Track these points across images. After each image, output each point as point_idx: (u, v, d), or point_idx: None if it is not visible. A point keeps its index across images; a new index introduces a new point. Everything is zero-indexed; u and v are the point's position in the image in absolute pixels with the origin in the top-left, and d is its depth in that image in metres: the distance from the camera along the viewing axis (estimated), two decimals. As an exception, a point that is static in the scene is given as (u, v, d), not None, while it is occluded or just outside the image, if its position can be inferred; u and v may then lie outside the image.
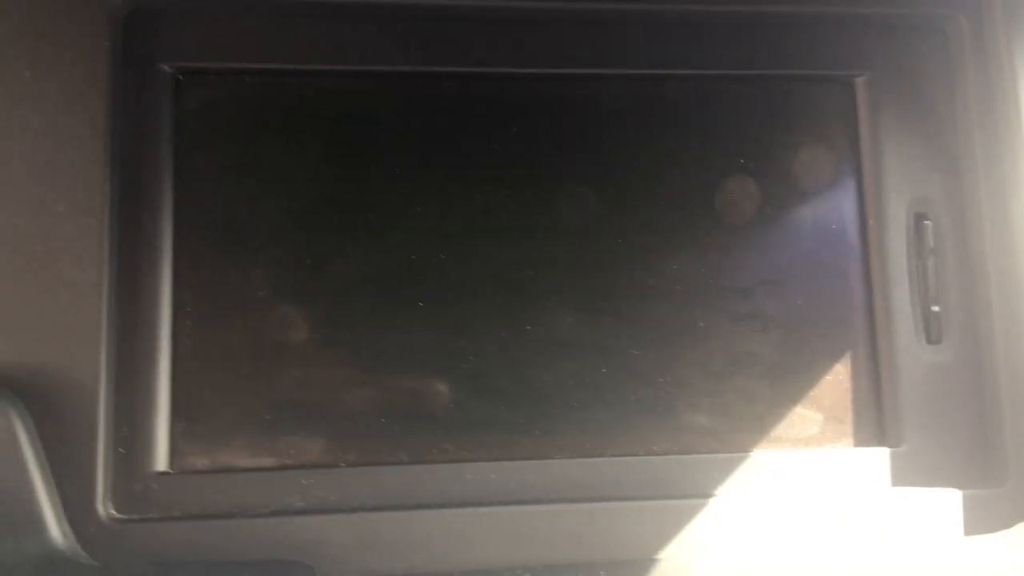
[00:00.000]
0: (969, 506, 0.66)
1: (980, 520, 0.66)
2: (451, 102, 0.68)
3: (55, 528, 0.57)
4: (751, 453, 0.67)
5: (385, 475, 0.63)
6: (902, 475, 0.67)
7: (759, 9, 0.70)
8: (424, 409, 0.65)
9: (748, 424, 0.68)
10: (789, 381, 0.69)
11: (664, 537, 0.63)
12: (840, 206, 0.71)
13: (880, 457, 0.68)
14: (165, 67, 0.65)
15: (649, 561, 0.63)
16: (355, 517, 0.61)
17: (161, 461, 0.62)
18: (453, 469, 0.64)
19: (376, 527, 0.61)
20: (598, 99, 0.70)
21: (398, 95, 0.68)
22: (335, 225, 0.66)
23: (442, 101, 0.68)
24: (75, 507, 0.59)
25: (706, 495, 0.65)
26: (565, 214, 0.68)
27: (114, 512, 0.60)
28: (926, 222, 0.69)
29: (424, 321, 0.66)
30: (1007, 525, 0.66)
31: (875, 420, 0.69)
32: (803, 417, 0.68)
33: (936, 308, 0.69)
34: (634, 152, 0.69)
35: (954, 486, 0.67)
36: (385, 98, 0.68)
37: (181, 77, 0.66)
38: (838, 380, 0.69)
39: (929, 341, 0.69)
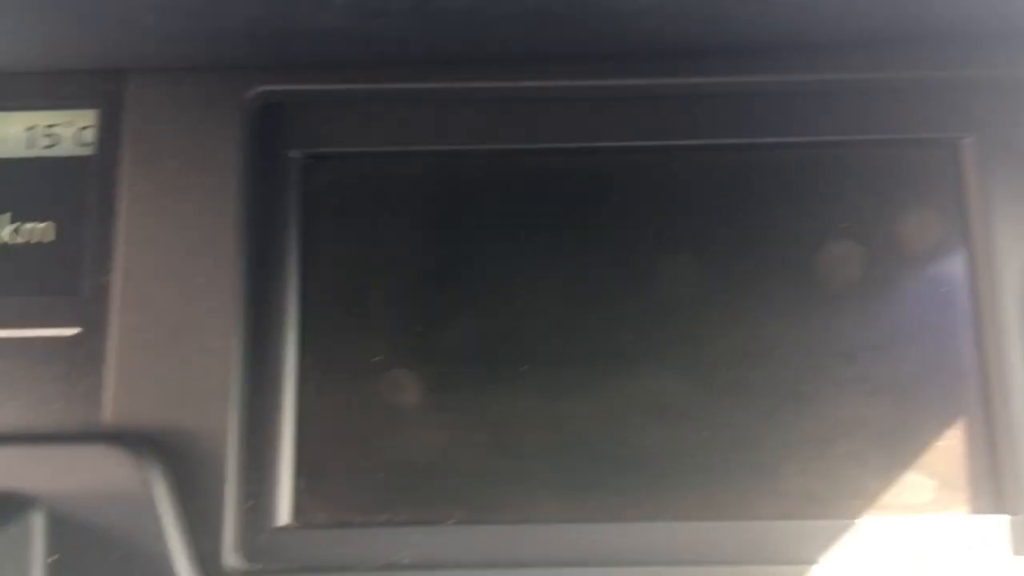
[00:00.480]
0: (1097, 578, 0.63)
1: (1109, 593, 0.63)
2: (556, 177, 0.72)
3: (186, 576, 0.62)
4: (859, 520, 0.66)
5: (490, 534, 0.66)
6: (1023, 543, 0.65)
7: (861, 76, 0.71)
8: (528, 470, 0.67)
9: (856, 490, 0.67)
10: (899, 446, 0.67)
11: (767, 601, 0.63)
12: (948, 268, 0.70)
13: (999, 525, 0.65)
14: (294, 153, 0.71)
15: (751, 625, 0.63)
16: (460, 573, 0.64)
17: (284, 515, 0.67)
18: (556, 529, 0.66)
19: (481, 583, 0.64)
20: (702, 168, 0.72)
21: (504, 171, 0.72)
22: (447, 295, 0.70)
23: (548, 176, 0.72)
24: (204, 557, 0.63)
25: (811, 561, 0.64)
26: (667, 281, 0.70)
27: (240, 564, 0.65)
28: (1041, 282, 0.68)
29: (529, 385, 0.68)
30: None
31: (993, 486, 0.67)
32: (915, 483, 0.67)
33: (1055, 370, 0.67)
34: (737, 218, 0.71)
35: (1080, 556, 0.64)
36: (492, 175, 0.72)
37: (308, 161, 0.72)
38: (951, 445, 0.67)
39: (1048, 404, 0.67)
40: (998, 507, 0.66)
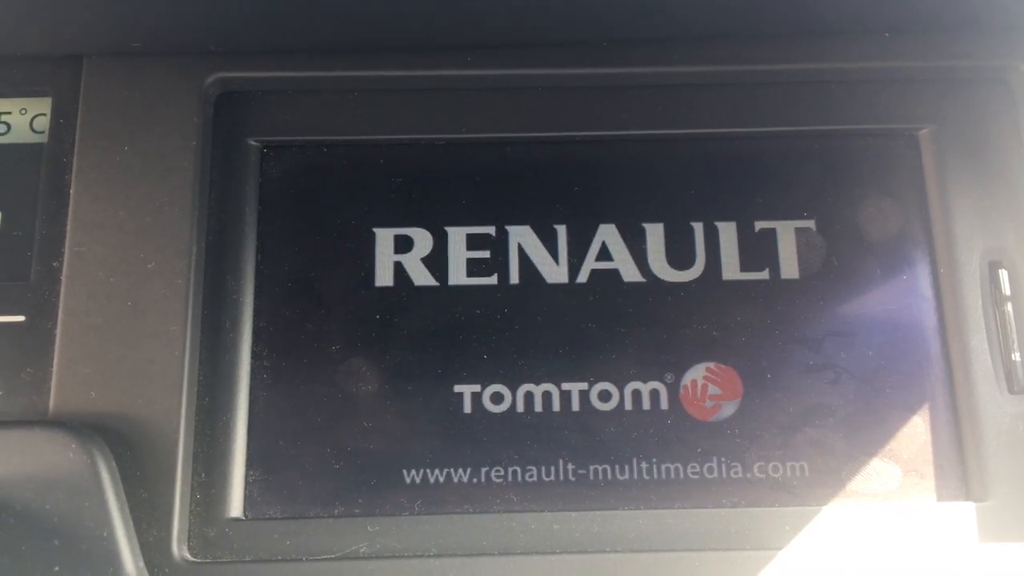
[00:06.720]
0: (1064, 562, 0.62)
1: (1077, 577, 0.62)
2: (520, 167, 0.71)
3: (131, 567, 0.59)
4: (825, 507, 0.65)
5: (449, 524, 0.64)
6: (989, 531, 0.64)
7: (820, 66, 0.71)
8: (488, 460, 0.66)
9: (822, 478, 0.66)
10: (865, 433, 0.67)
11: (732, 588, 0.61)
12: (910, 258, 0.70)
13: (965, 512, 0.65)
14: (251, 141, 0.71)
15: (717, 613, 0.61)
16: (418, 563, 0.62)
17: (236, 507, 0.64)
18: (516, 519, 0.64)
19: (439, 573, 0.62)
20: (663, 158, 0.72)
21: (458, 160, 0.71)
22: (402, 284, 0.69)
23: (504, 165, 0.71)
24: (151, 548, 0.61)
25: (776, 548, 0.63)
26: (637, 270, 0.69)
27: (188, 555, 0.62)
28: (1001, 270, 0.68)
29: (488, 373, 0.67)
30: (1108, 584, 0.61)
31: (958, 473, 0.66)
32: (881, 470, 0.66)
33: (1017, 356, 0.66)
34: (703, 208, 0.71)
35: (1046, 541, 0.63)
36: (445, 163, 0.71)
37: (265, 150, 0.71)
38: (917, 432, 0.67)
39: (1011, 391, 0.66)
40: (963, 495, 0.65)
